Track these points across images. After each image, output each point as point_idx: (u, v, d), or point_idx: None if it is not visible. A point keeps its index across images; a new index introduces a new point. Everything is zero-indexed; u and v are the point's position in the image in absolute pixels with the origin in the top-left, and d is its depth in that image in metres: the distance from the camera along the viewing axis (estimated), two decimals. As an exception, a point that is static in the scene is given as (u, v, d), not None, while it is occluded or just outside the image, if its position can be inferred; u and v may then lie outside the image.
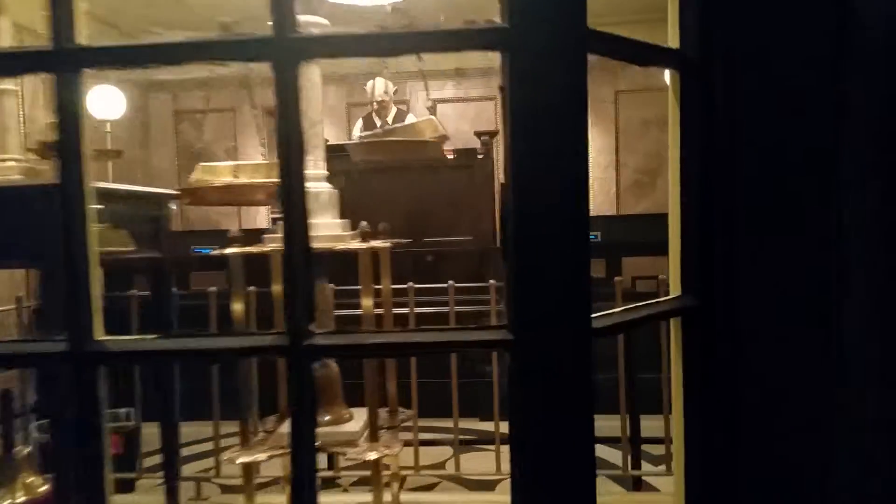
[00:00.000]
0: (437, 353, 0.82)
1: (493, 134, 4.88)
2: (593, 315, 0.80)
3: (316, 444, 0.71)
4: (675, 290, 1.04)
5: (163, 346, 0.79)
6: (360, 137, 4.72)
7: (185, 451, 3.37)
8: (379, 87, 4.66)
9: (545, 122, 0.75)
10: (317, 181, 1.84)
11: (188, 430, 3.03)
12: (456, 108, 7.23)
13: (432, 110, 1.89)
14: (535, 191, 0.74)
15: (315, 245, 1.56)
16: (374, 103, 4.70)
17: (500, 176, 5.65)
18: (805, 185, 0.99)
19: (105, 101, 5.92)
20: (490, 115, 7.18)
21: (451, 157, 4.38)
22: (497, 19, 0.74)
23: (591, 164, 7.43)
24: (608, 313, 0.88)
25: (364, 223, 1.70)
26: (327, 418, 1.91)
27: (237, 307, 1.72)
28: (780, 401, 1.05)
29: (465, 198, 4.25)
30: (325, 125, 7.07)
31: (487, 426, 3.84)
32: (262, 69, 0.72)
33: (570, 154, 0.76)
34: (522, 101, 0.73)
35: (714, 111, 0.95)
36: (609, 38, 0.80)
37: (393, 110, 4.79)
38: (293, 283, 0.74)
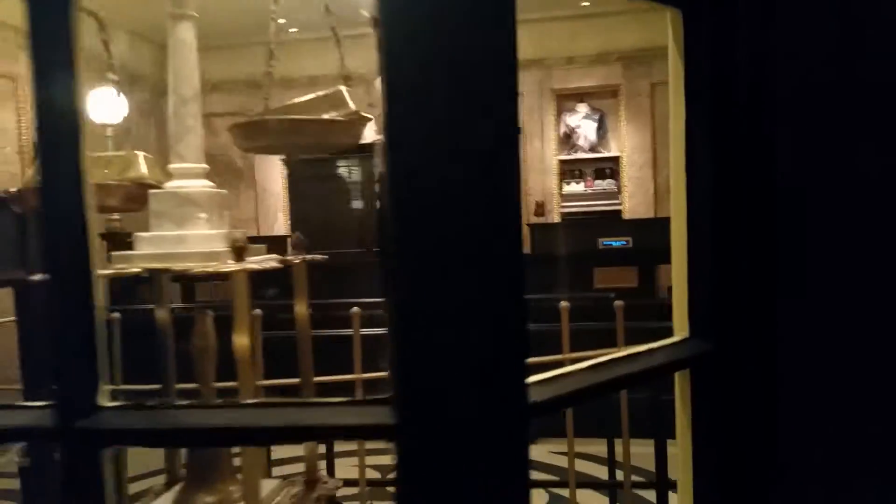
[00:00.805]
0: (282, 441, 0.55)
1: (513, 131, 4.59)
2: (536, 379, 0.52)
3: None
4: (680, 330, 0.75)
5: None
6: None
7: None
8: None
9: (452, 91, 0.47)
10: (189, 178, 1.36)
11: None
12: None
13: (346, 81, 1.49)
14: (432, 204, 0.46)
15: (160, 265, 1.30)
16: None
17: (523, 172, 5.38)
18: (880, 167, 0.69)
19: None
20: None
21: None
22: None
23: (625, 163, 7.06)
24: (574, 370, 0.60)
25: (238, 233, 1.25)
26: (209, 501, 1.38)
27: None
28: (842, 476, 0.75)
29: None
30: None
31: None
32: None
33: (491, 141, 0.48)
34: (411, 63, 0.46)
35: (735, 69, 0.66)
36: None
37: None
38: (63, 335, 0.48)
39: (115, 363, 2.01)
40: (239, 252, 1.13)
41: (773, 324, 0.73)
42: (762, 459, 0.74)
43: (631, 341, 1.67)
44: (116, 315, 2.03)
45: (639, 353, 0.68)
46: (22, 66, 4.13)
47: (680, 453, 0.74)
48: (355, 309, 1.96)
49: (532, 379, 0.53)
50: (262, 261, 1.22)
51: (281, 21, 5.83)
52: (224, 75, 6.33)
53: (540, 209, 6.92)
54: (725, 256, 0.72)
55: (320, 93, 1.39)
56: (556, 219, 6.91)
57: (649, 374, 0.67)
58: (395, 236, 0.46)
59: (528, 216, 6.66)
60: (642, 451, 2.87)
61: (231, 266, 1.10)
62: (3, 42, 4.07)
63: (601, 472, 3.17)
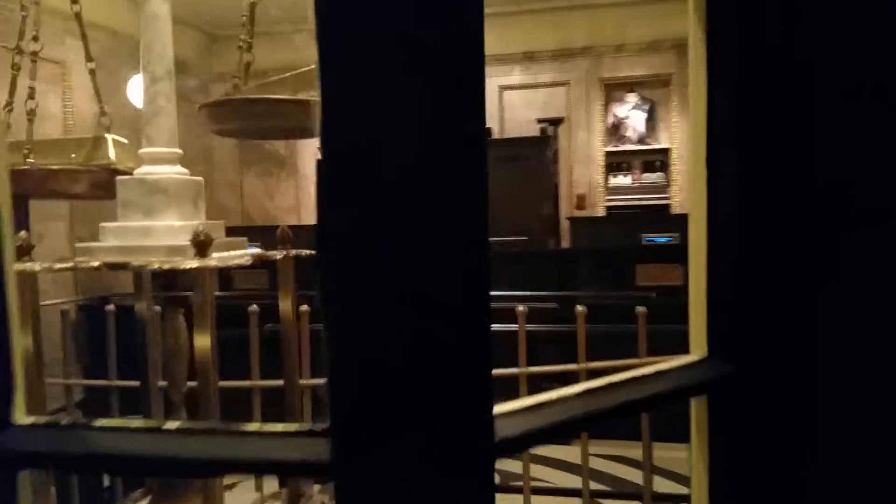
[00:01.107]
0: (203, 475, 0.49)
1: (555, 121, 4.44)
2: (503, 409, 0.44)
3: None
4: (697, 348, 0.66)
5: None
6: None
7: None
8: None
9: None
10: (159, 164, 1.24)
11: None
12: (525, 95, 6.77)
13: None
14: (376, 198, 0.39)
15: (121, 260, 1.21)
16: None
17: (561, 168, 5.20)
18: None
19: None
20: (561, 102, 6.69)
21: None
22: None
23: (675, 156, 6.81)
24: (563, 396, 0.52)
25: (201, 225, 1.10)
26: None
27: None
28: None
29: (520, 192, 3.84)
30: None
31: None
32: None
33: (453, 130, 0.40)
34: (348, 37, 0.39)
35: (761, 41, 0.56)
36: None
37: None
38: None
39: (110, 357, 2.00)
40: (201, 247, 1.03)
41: (808, 343, 0.63)
42: (790, 500, 0.65)
43: (669, 345, 1.56)
44: (111, 307, 1.99)
45: (647, 377, 0.60)
46: (69, 51, 4.20)
47: (694, 492, 0.65)
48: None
49: (504, 408, 0.45)
50: (235, 257, 1.14)
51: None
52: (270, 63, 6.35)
53: (581, 202, 6.75)
54: (751, 262, 0.62)
55: (295, 72, 1.31)
56: (601, 212, 6.73)
57: (657, 401, 0.58)
58: (329, 247, 0.38)
59: (570, 210, 6.50)
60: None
61: (191, 263, 1.02)
62: (51, 27, 4.14)
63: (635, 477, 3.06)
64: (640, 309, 1.57)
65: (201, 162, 6.00)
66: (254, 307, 1.87)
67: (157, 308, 1.32)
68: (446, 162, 0.39)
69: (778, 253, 0.60)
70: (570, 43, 6.51)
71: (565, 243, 4.53)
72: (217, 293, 4.11)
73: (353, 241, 0.39)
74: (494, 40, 6.57)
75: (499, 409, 0.44)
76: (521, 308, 1.59)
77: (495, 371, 1.44)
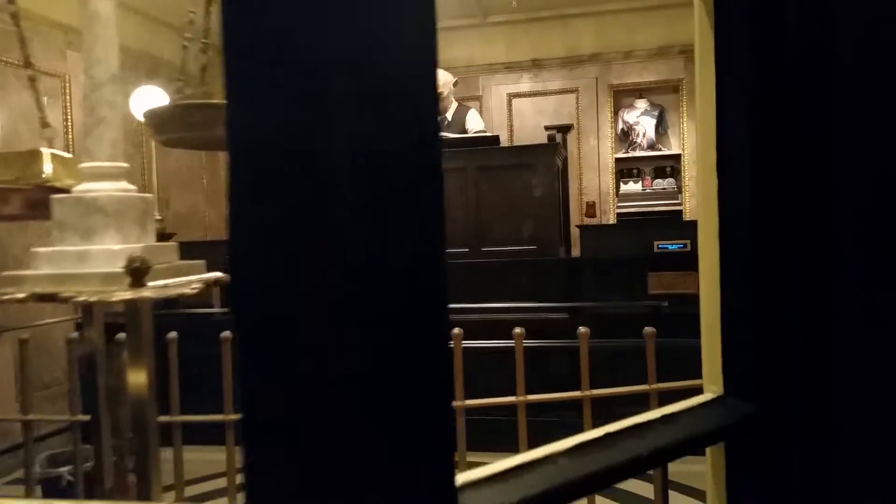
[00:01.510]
0: None
1: (562, 128, 4.34)
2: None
3: None
4: (711, 384, 0.57)
5: None
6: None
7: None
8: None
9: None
10: (100, 180, 1.08)
11: None
12: (534, 102, 6.70)
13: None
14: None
15: (51, 290, 1.11)
16: (429, 97, 4.25)
17: (570, 175, 5.11)
18: None
19: None
20: (571, 109, 6.60)
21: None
22: None
23: (686, 162, 6.70)
24: (546, 455, 0.44)
25: (139, 249, 0.96)
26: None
27: None
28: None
29: (528, 200, 3.76)
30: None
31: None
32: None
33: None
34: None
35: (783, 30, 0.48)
36: None
37: (453, 105, 4.35)
38: None
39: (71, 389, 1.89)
40: (136, 275, 0.91)
41: (836, 378, 0.55)
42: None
43: (682, 360, 1.47)
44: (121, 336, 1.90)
45: (654, 422, 0.51)
46: (70, 64, 4.18)
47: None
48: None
49: (471, 476, 0.37)
50: (179, 284, 1.02)
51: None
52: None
53: (591, 210, 6.65)
54: (771, 284, 0.54)
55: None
56: (612, 219, 6.62)
57: (666, 454, 0.50)
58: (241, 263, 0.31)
59: (580, 217, 6.40)
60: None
61: (122, 294, 0.90)
62: (52, 40, 4.13)
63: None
64: (648, 330, 1.47)
65: (207, 173, 5.96)
66: (225, 333, 1.72)
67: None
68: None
69: (801, 276, 0.52)
70: (579, 50, 6.44)
71: (575, 252, 4.43)
72: (214, 310, 4.02)
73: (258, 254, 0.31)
74: (503, 48, 6.52)
75: (465, 477, 0.36)
76: (517, 330, 1.49)
77: (490, 400, 1.34)
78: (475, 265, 3.74)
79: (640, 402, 1.36)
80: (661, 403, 1.62)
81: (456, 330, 1.49)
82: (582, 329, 1.45)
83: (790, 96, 0.49)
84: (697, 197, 0.58)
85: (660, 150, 6.74)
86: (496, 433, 2.12)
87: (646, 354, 1.43)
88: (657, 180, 6.83)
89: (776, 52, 0.47)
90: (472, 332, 2.39)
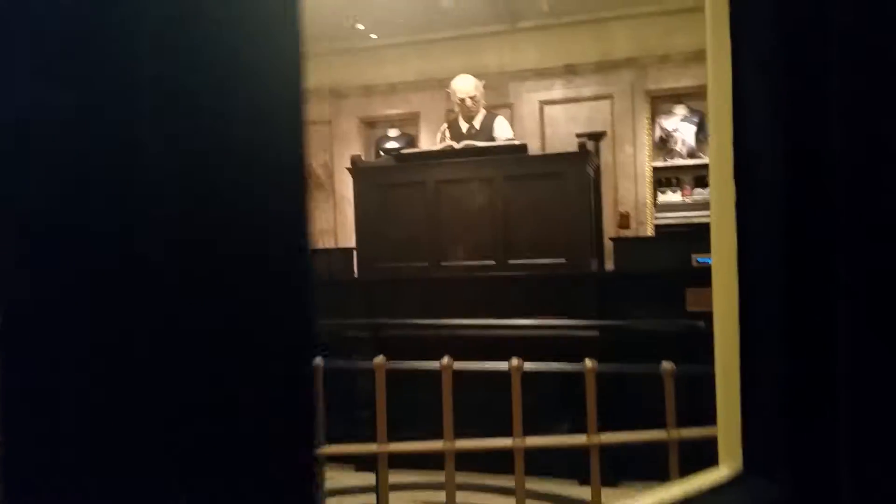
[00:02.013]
0: None
1: (595, 136, 4.19)
2: None
3: None
4: (727, 459, 0.45)
5: None
6: (443, 141, 4.23)
7: None
8: (463, 85, 4.14)
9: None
10: None
11: None
12: (567, 109, 6.53)
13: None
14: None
15: None
16: (457, 104, 4.17)
17: (605, 185, 4.94)
18: None
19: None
20: (606, 116, 6.41)
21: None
22: None
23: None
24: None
25: None
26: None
27: None
28: None
29: (558, 212, 3.61)
30: (421, 132, 6.65)
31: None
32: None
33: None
34: None
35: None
36: None
37: (481, 113, 4.24)
38: None
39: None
40: None
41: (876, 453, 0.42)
42: None
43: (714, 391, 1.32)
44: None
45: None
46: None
47: None
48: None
49: None
50: None
51: (360, 27, 5.73)
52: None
53: (625, 221, 6.44)
54: (812, 331, 0.41)
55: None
56: (650, 231, 6.40)
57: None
58: None
59: (615, 229, 6.20)
60: None
61: None
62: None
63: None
64: (667, 366, 1.32)
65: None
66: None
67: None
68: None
69: (847, 325, 0.39)
70: (613, 54, 6.27)
71: (609, 265, 4.26)
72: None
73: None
74: (534, 54, 6.38)
75: None
76: (514, 363, 1.36)
77: (486, 443, 1.18)
78: (501, 279, 3.61)
79: (658, 447, 1.22)
80: (683, 448, 1.47)
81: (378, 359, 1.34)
82: (589, 363, 1.30)
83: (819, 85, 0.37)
84: (711, 214, 0.46)
85: (700, 157, 6.50)
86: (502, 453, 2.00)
87: (671, 385, 1.29)
88: (697, 189, 6.59)
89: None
90: (494, 350, 2.26)
